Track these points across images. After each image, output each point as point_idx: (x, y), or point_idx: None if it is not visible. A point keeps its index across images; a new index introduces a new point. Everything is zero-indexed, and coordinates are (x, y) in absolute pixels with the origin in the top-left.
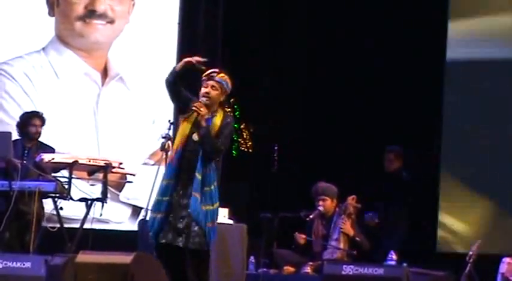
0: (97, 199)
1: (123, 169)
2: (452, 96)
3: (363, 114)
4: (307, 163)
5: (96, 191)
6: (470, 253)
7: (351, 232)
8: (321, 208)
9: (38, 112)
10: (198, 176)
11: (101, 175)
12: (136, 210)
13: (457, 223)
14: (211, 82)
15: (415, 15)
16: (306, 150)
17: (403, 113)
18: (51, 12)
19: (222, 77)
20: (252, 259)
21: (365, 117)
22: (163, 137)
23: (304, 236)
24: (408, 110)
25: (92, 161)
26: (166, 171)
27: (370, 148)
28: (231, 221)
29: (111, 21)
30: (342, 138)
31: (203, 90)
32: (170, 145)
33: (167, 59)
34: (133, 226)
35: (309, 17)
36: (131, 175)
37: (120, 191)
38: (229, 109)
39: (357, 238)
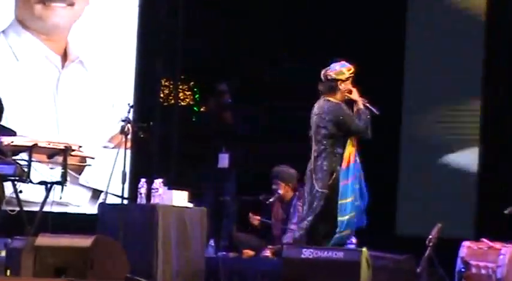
0: (57, 182)
1: (82, 152)
2: None
3: None
4: (267, 145)
5: (55, 174)
6: (430, 236)
7: None
8: (280, 192)
9: None
10: None
11: (60, 158)
12: (96, 193)
13: (417, 206)
14: None
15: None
16: (267, 134)
17: None
18: None
19: None
20: (211, 242)
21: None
22: (122, 121)
23: (258, 217)
24: None
25: (51, 144)
26: None
27: None
28: (191, 204)
29: (71, 4)
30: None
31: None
32: (129, 128)
33: (127, 43)
34: (93, 209)
35: None
36: (91, 158)
37: (79, 174)
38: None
39: None
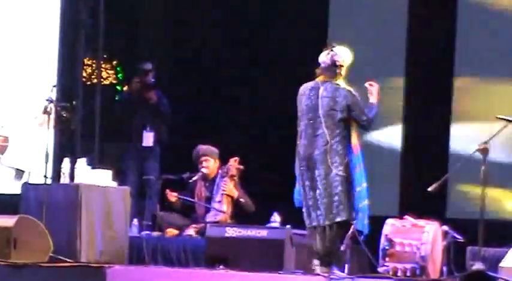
0: None
1: (4, 132)
2: None
3: (244, 80)
4: (191, 125)
5: None
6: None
7: (235, 194)
8: (204, 170)
9: None
10: None
11: None
12: (19, 173)
13: None
14: None
15: None
16: (190, 113)
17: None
18: None
19: None
20: (135, 221)
21: (248, 81)
22: (46, 100)
23: (175, 194)
24: None
25: None
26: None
27: (252, 111)
28: (114, 184)
29: None
30: (225, 101)
31: None
32: (52, 107)
33: (50, 22)
34: (16, 189)
35: None
36: (14, 137)
37: (2, 154)
38: None
39: (241, 199)
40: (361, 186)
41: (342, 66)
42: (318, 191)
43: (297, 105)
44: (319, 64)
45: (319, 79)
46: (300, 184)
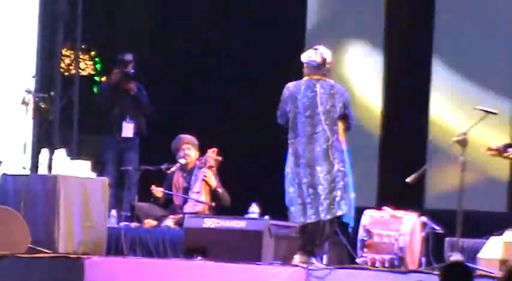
0: None
1: None
2: None
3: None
4: (170, 116)
5: None
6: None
7: (214, 183)
8: (182, 161)
9: None
10: None
11: None
12: None
13: None
14: None
15: None
16: (169, 104)
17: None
18: None
19: None
20: (113, 212)
21: (226, 72)
22: (25, 91)
23: (161, 189)
24: None
25: None
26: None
27: (229, 102)
28: (93, 175)
29: None
30: (203, 91)
31: None
32: (30, 98)
33: (28, 12)
34: None
35: None
36: None
37: None
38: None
39: (219, 189)
40: (350, 179)
41: (330, 64)
42: (320, 187)
43: (287, 103)
44: (302, 63)
45: (311, 77)
46: (296, 182)
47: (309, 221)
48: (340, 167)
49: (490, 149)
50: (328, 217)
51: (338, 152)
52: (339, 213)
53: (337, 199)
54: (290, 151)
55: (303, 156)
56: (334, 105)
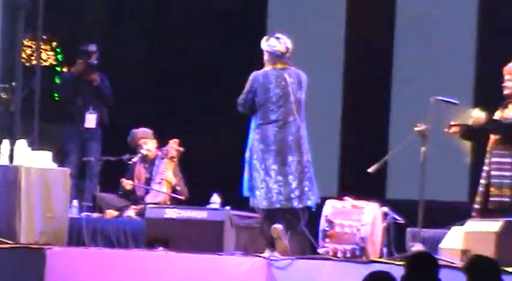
0: None
1: None
2: None
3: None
4: (131, 107)
5: None
6: None
7: (173, 181)
8: (143, 151)
9: None
10: None
11: None
12: None
13: None
14: None
15: None
16: (130, 94)
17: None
18: None
19: None
20: (75, 202)
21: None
22: None
23: (131, 182)
24: None
25: None
26: None
27: (190, 91)
28: (54, 165)
29: None
30: (164, 82)
31: None
32: None
33: None
34: None
35: None
36: None
37: None
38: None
39: (178, 187)
40: None
41: (291, 52)
42: (291, 177)
43: (255, 92)
44: (262, 52)
45: (274, 66)
46: (262, 168)
47: (277, 206)
48: (309, 157)
49: (451, 126)
50: (300, 205)
51: (306, 142)
52: (309, 203)
53: (306, 189)
54: (257, 137)
55: (274, 143)
56: (301, 95)
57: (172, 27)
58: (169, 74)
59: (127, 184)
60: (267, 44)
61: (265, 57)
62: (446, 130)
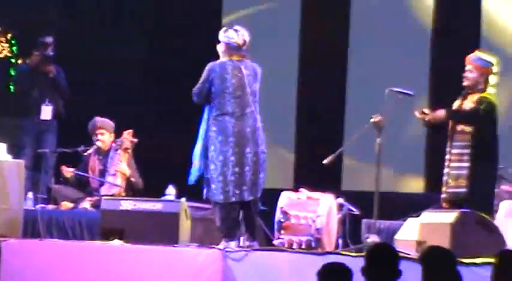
0: None
1: None
2: None
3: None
4: (87, 98)
5: None
6: None
7: (127, 172)
8: (98, 143)
9: None
10: None
11: None
12: None
13: None
14: None
15: None
16: (86, 85)
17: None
18: None
19: None
20: (30, 194)
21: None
22: None
23: (71, 169)
24: None
25: None
26: None
27: (146, 83)
28: (9, 157)
29: None
30: (120, 73)
31: None
32: None
33: None
34: None
35: None
36: None
37: None
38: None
39: (132, 179)
40: None
41: (248, 45)
42: (247, 168)
43: (212, 83)
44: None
45: (231, 58)
46: (220, 160)
47: (233, 199)
48: (265, 148)
49: (422, 112)
50: (251, 198)
51: (263, 134)
52: (259, 195)
53: (261, 180)
54: (215, 128)
55: (233, 135)
56: (256, 87)
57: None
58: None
59: (67, 171)
60: (224, 35)
61: (222, 48)
62: (417, 114)
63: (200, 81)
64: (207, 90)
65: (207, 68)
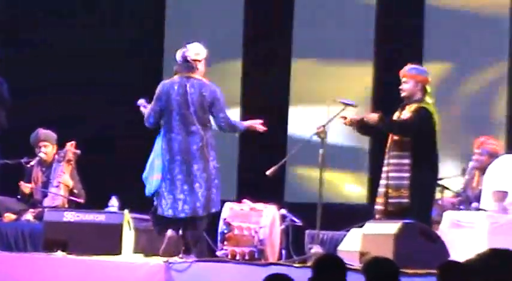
0: None
1: None
2: None
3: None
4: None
5: None
6: None
7: (70, 184)
8: (41, 155)
9: None
10: None
11: None
12: None
13: None
14: None
15: None
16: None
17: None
18: None
19: None
20: None
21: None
22: None
23: (29, 185)
24: None
25: None
26: None
27: (92, 94)
28: None
29: None
30: (65, 84)
31: None
32: None
33: None
34: None
35: None
36: None
37: None
38: None
39: (75, 191)
40: None
41: (196, 60)
42: (197, 185)
43: (161, 100)
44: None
45: (181, 75)
46: (168, 177)
47: (182, 215)
48: (215, 164)
49: (344, 117)
50: (205, 213)
51: (213, 150)
52: (213, 210)
53: (213, 196)
54: (164, 146)
55: (179, 153)
56: (203, 105)
57: (65, 15)
58: (75, 75)
59: (26, 187)
60: (177, 53)
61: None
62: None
63: (151, 105)
64: (156, 109)
65: (159, 86)
